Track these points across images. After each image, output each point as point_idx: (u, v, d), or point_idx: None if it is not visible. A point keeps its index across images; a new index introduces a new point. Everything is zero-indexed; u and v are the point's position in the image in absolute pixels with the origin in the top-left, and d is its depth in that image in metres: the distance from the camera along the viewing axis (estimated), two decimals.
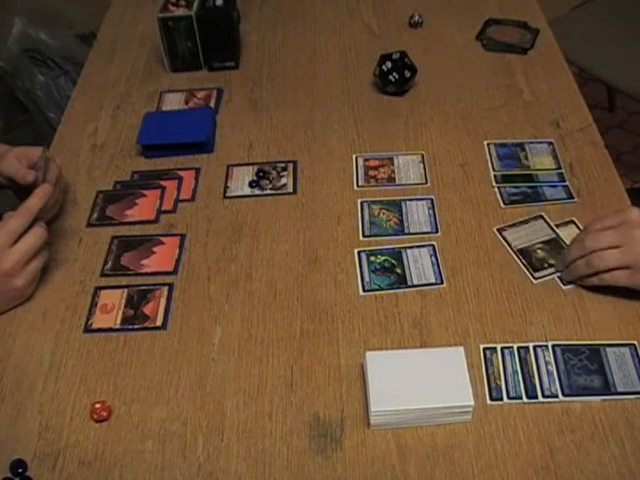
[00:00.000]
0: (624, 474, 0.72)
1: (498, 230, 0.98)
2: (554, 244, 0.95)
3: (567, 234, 0.95)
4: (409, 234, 0.98)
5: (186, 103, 1.24)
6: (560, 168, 1.06)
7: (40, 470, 0.76)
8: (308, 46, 1.36)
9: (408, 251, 0.96)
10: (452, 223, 0.99)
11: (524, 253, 0.94)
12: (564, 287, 0.89)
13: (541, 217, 0.99)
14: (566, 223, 0.98)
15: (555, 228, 0.97)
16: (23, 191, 0.95)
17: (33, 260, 0.90)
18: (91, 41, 1.46)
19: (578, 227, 0.96)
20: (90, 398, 0.82)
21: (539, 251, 0.94)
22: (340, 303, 0.90)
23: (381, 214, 1.01)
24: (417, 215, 1.01)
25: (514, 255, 0.94)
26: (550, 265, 0.92)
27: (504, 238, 0.96)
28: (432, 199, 1.03)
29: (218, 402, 0.81)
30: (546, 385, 0.80)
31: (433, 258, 0.95)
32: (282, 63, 1.32)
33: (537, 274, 0.91)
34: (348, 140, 1.14)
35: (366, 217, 1.01)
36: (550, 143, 1.10)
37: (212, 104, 1.23)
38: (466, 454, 0.75)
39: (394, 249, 0.96)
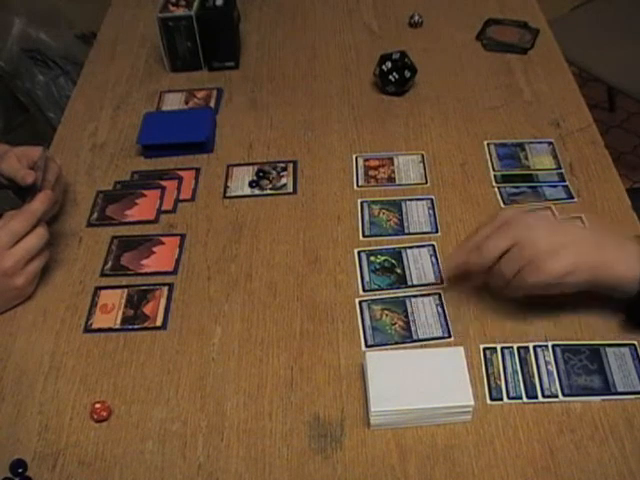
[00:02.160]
0: (624, 474, 0.72)
1: None
2: None
3: None
4: (409, 234, 0.98)
5: (186, 103, 1.24)
6: (560, 168, 1.06)
7: (40, 470, 0.76)
8: (308, 46, 1.36)
9: (408, 251, 0.96)
10: (452, 223, 0.99)
11: None
12: None
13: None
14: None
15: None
16: (23, 191, 0.95)
17: (34, 260, 0.90)
18: (91, 41, 1.46)
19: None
20: (90, 398, 0.82)
21: None
22: (340, 303, 0.90)
23: (381, 214, 1.01)
24: (417, 215, 1.01)
25: None
26: None
27: None
28: (432, 199, 1.03)
29: (218, 402, 0.81)
30: (546, 385, 0.80)
31: (433, 258, 0.95)
32: (282, 63, 1.33)
33: None
34: (348, 140, 1.14)
35: (366, 217, 1.01)
36: (550, 143, 1.10)
37: (212, 104, 1.23)
38: (466, 454, 0.75)
39: (394, 249, 0.96)
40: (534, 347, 0.83)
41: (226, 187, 1.08)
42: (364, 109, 1.20)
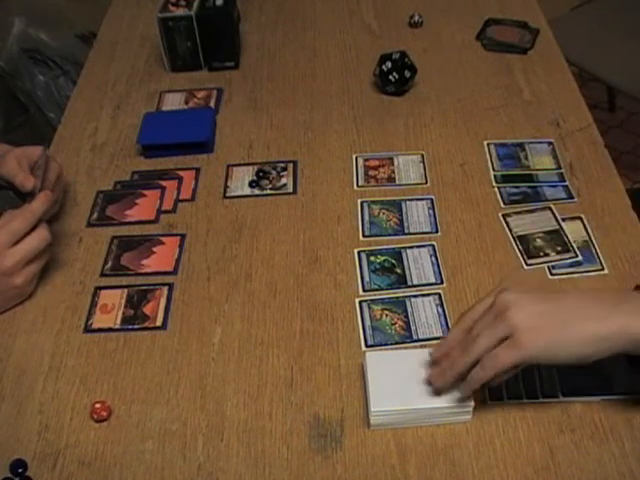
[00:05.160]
0: (624, 474, 0.72)
1: (503, 216, 0.99)
2: (555, 235, 0.95)
3: (572, 229, 0.96)
4: (409, 234, 0.98)
5: (186, 103, 1.24)
6: (560, 168, 1.06)
7: (40, 470, 0.76)
8: (308, 46, 1.36)
9: (408, 251, 0.96)
10: (452, 223, 0.99)
11: (522, 239, 0.95)
12: None
13: (549, 209, 0.99)
14: (572, 218, 0.98)
15: (561, 221, 0.97)
16: (23, 191, 0.95)
17: (34, 260, 0.90)
18: (91, 41, 1.46)
19: (584, 224, 0.97)
20: (90, 398, 0.82)
21: (538, 240, 0.95)
22: (340, 303, 0.90)
23: (381, 214, 1.01)
24: (417, 215, 1.01)
25: (513, 242, 0.95)
26: (546, 254, 0.93)
27: (507, 224, 0.97)
28: (432, 199, 1.03)
29: (218, 402, 0.81)
30: (546, 385, 0.79)
31: (433, 258, 0.95)
32: (282, 63, 1.33)
33: (530, 261, 0.92)
34: (348, 140, 1.14)
35: (366, 217, 1.01)
36: (550, 143, 1.10)
37: (212, 104, 1.23)
38: (466, 454, 0.75)
39: (394, 249, 0.96)
40: None
41: (226, 187, 1.08)
42: (364, 109, 1.20)
